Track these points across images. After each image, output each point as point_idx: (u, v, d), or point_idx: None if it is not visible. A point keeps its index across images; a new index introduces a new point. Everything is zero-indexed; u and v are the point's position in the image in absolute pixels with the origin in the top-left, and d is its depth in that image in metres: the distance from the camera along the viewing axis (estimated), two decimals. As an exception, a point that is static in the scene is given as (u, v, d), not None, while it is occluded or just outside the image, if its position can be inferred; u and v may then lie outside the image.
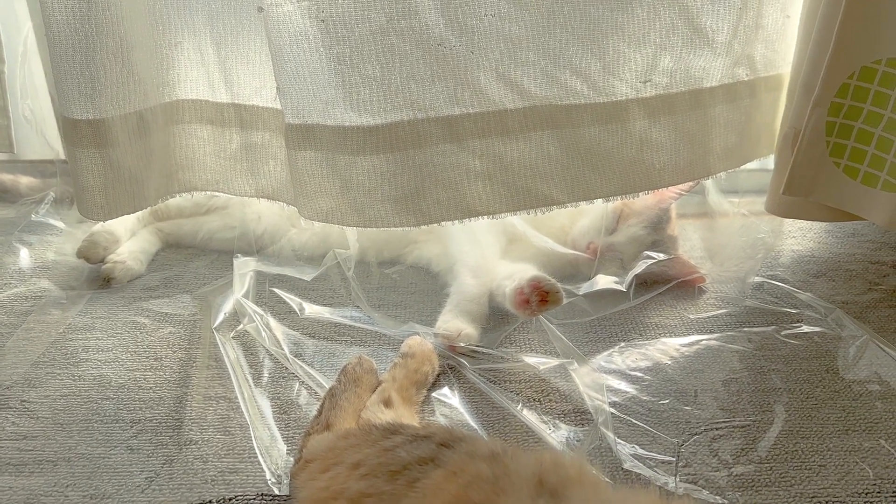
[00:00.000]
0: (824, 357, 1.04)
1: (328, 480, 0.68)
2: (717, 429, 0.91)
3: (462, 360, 1.02)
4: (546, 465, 0.62)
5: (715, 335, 1.09)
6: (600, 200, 1.06)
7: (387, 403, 0.89)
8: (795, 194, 1.17)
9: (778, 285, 1.21)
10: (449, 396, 0.97)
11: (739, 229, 1.33)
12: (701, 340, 1.08)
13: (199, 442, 0.89)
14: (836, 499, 0.81)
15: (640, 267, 1.14)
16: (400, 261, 1.30)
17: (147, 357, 1.04)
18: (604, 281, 1.14)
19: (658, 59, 1.03)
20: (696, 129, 1.10)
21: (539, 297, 0.99)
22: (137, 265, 1.26)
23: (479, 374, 1.00)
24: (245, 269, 1.21)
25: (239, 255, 1.24)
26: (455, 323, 1.04)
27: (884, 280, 1.23)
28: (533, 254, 1.18)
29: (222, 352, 1.04)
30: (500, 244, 1.20)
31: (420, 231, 1.28)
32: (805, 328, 1.10)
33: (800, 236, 1.40)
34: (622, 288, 1.14)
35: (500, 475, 0.61)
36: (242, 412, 0.93)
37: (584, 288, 1.13)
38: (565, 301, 1.02)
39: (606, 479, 0.82)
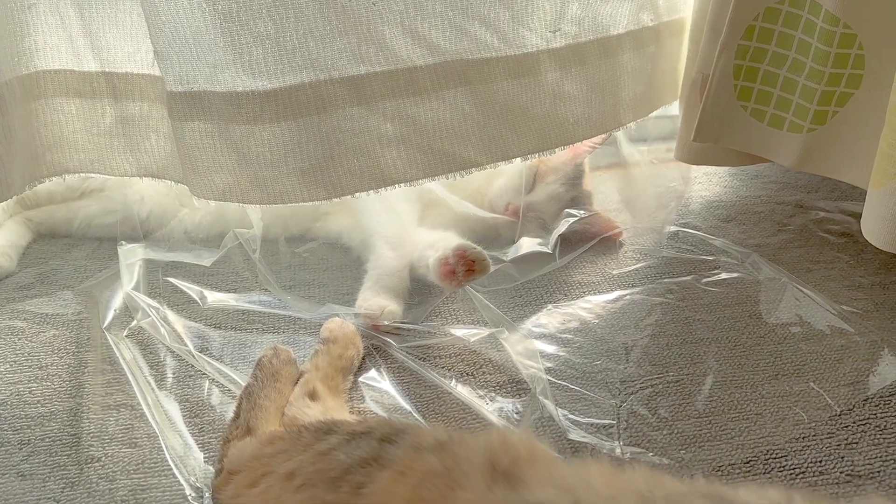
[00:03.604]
0: (746, 303, 1.05)
1: (260, 496, 0.62)
2: (652, 385, 0.90)
3: (388, 339, 0.96)
4: (495, 446, 0.58)
5: (637, 289, 1.08)
6: (519, 159, 1.01)
7: (312, 396, 0.82)
8: (705, 140, 1.17)
9: (692, 233, 1.21)
10: (378, 380, 0.91)
11: (651, 178, 1.32)
12: (625, 295, 1.07)
13: (103, 458, 0.80)
14: (776, 446, 0.81)
15: (563, 226, 1.12)
16: (310, 236, 1.22)
17: (30, 366, 0.93)
18: (528, 244, 1.11)
19: (566, 7, 0.99)
20: (606, 79, 1.07)
21: (465, 266, 0.94)
22: (6, 261, 1.13)
23: (408, 353, 0.94)
24: (132, 257, 1.10)
25: (123, 241, 1.13)
26: (376, 300, 0.99)
27: (791, 220, 1.26)
28: (451, 219, 1.13)
29: (117, 353, 0.94)
30: (416, 211, 1.14)
31: (330, 202, 1.20)
32: (724, 275, 1.11)
33: (706, 181, 1.41)
34: (548, 249, 1.11)
35: (450, 466, 0.57)
36: (148, 420, 0.85)
37: (511, 252, 1.10)
38: (492, 269, 0.98)
39: (555, 454, 0.79)
